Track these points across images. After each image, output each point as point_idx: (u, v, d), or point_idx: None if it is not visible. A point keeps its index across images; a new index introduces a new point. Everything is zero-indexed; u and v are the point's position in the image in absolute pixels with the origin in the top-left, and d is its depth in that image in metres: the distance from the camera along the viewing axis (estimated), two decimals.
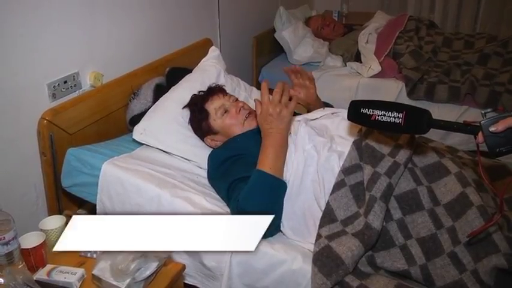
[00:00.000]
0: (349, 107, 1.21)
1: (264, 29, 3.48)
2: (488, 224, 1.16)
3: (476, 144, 1.09)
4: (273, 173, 1.47)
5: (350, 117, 1.21)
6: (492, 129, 1.04)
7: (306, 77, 1.90)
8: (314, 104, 1.91)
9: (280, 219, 1.48)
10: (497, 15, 4.00)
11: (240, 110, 1.81)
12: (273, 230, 1.49)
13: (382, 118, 1.13)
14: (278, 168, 1.49)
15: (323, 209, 1.44)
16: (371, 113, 1.14)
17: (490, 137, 1.05)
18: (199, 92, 1.94)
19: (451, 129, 1.12)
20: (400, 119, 1.11)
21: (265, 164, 1.49)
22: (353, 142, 1.51)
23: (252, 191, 1.46)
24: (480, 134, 1.07)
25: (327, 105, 1.99)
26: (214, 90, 1.88)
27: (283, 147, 1.52)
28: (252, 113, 1.83)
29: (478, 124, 1.07)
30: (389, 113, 1.12)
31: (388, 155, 1.40)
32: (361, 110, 1.16)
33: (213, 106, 1.82)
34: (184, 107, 1.91)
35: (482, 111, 1.08)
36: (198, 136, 1.89)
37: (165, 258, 1.29)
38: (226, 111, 1.81)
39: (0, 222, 1.18)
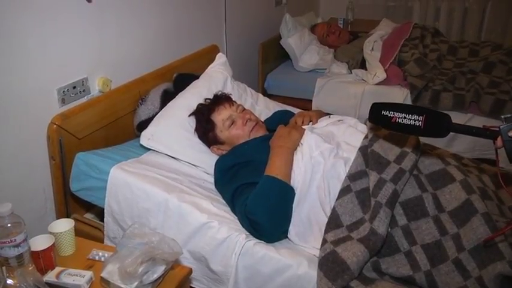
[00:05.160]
0: (370, 109, 1.24)
1: (270, 35, 3.50)
2: (508, 227, 1.17)
3: (495, 149, 1.10)
4: (281, 178, 1.49)
5: (371, 119, 1.24)
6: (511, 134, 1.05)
7: None
8: None
9: (289, 224, 1.49)
10: (502, 23, 4.00)
11: (246, 121, 1.83)
12: (280, 235, 1.51)
13: (402, 120, 1.15)
14: (286, 174, 1.52)
15: (328, 214, 1.45)
16: (392, 115, 1.17)
17: (509, 141, 1.06)
18: (205, 99, 1.96)
19: (470, 134, 1.14)
20: (420, 122, 1.13)
21: (273, 170, 1.52)
22: (359, 148, 1.52)
23: (260, 195, 1.48)
24: (499, 138, 1.07)
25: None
26: (221, 100, 1.89)
27: (289, 160, 1.57)
28: (258, 123, 1.86)
29: (497, 129, 1.08)
30: (410, 115, 1.14)
31: (393, 162, 1.41)
32: (382, 112, 1.19)
33: (220, 117, 1.84)
34: (190, 115, 1.93)
35: (502, 116, 1.09)
36: (204, 144, 1.90)
37: (173, 261, 1.31)
38: (233, 122, 1.82)
39: (11, 224, 1.19)
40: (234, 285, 1.50)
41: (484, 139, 1.13)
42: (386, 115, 1.18)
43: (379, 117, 1.21)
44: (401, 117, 1.16)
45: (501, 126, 1.07)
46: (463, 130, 1.14)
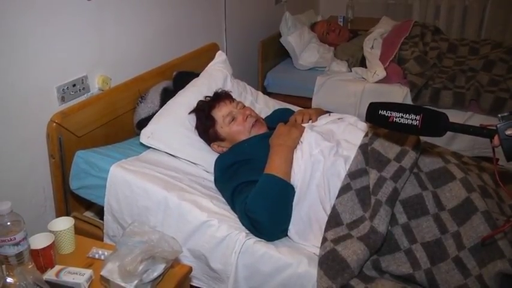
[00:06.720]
0: (367, 109, 1.24)
1: (270, 33, 3.49)
2: (507, 225, 1.17)
3: (492, 148, 1.10)
4: (281, 176, 1.49)
5: (368, 118, 1.24)
6: (508, 132, 1.04)
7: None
8: None
9: (289, 223, 1.49)
10: (502, 21, 3.99)
11: (247, 117, 1.83)
12: (280, 234, 1.50)
13: (399, 120, 1.15)
14: (286, 172, 1.52)
15: (328, 213, 1.45)
16: (389, 115, 1.17)
17: (506, 140, 1.05)
18: (205, 97, 1.96)
19: (467, 133, 1.14)
20: (417, 121, 1.13)
21: (273, 168, 1.52)
22: (359, 147, 1.52)
23: (260, 193, 1.48)
24: (496, 137, 1.07)
25: None
26: (221, 97, 1.89)
27: (289, 159, 1.57)
28: (258, 120, 1.86)
29: (495, 127, 1.07)
30: (407, 115, 1.14)
31: (394, 160, 1.41)
32: (379, 111, 1.19)
33: (221, 114, 1.83)
34: (190, 113, 1.93)
35: (499, 115, 1.08)
36: (205, 141, 1.90)
37: (172, 260, 1.31)
38: (233, 118, 1.82)
39: (11, 223, 1.19)
40: (234, 283, 1.50)
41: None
42: (384, 115, 1.18)
43: (376, 117, 1.21)
44: (398, 117, 1.16)
45: (498, 125, 1.06)
46: (460, 129, 1.14)
